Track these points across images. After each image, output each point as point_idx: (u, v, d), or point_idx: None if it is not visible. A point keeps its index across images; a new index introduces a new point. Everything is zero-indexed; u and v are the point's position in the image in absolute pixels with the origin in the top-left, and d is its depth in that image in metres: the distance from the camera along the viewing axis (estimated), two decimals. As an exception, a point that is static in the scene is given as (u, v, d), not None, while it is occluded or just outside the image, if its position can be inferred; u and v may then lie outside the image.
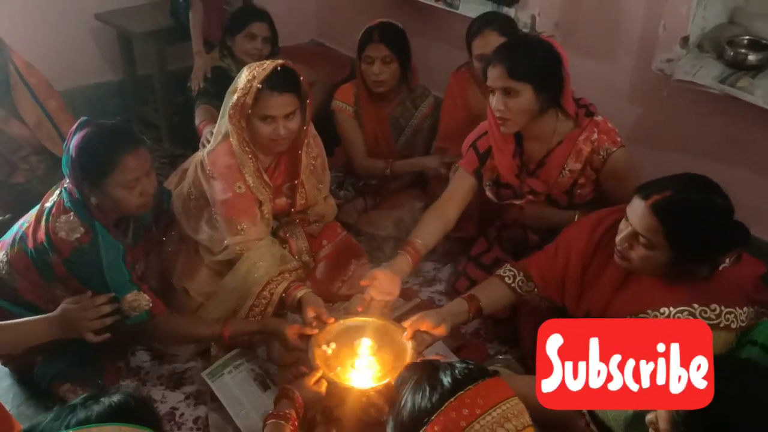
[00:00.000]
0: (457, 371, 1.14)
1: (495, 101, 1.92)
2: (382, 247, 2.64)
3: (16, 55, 2.59)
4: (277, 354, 2.06)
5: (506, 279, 1.90)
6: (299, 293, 1.96)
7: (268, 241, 2.10)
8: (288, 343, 1.84)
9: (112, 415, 0.95)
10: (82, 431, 0.92)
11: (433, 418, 1.08)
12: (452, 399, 1.09)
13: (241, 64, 2.33)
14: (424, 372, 1.17)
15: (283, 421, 1.50)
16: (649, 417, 1.18)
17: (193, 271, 2.13)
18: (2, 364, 2.07)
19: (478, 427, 1.07)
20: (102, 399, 0.97)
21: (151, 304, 1.86)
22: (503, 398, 1.12)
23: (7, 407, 1.68)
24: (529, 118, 1.93)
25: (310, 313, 1.86)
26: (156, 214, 2.07)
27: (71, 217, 1.79)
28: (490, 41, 2.33)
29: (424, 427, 1.08)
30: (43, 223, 1.82)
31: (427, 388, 1.12)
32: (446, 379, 1.12)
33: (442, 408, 1.08)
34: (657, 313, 1.54)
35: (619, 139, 1.98)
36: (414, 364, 1.25)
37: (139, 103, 3.59)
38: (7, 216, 2.40)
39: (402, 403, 1.14)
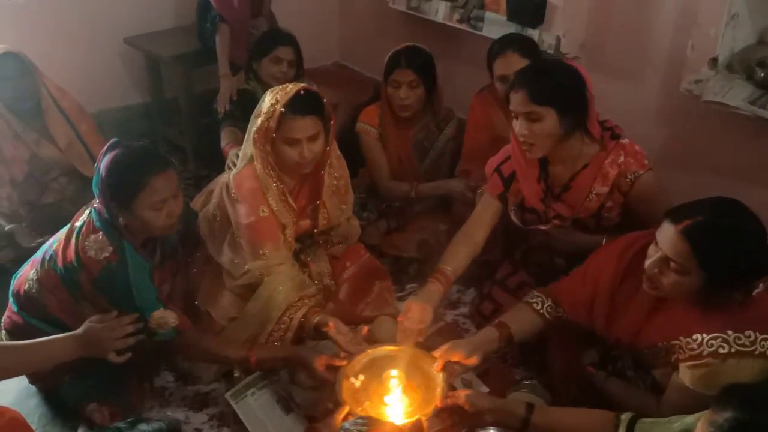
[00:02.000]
0: None
1: (519, 126, 1.91)
2: (406, 269, 2.63)
3: (48, 79, 2.65)
4: (302, 377, 2.04)
5: (535, 305, 1.87)
6: (316, 318, 1.96)
7: (288, 265, 2.10)
8: (316, 374, 1.82)
9: None
10: None
11: None
12: None
13: (266, 87, 2.36)
14: None
15: None
16: None
17: (216, 295, 2.14)
18: (30, 383, 2.08)
19: None
20: (138, 426, 0.97)
21: (177, 321, 1.87)
22: None
23: (34, 426, 1.69)
24: (553, 142, 1.91)
25: (335, 332, 1.85)
26: (183, 236, 2.08)
27: (100, 237, 1.81)
28: (512, 62, 2.33)
29: None
30: (72, 242, 1.85)
31: None
32: None
33: None
34: (690, 340, 1.51)
35: (646, 162, 1.95)
36: None
37: (165, 125, 3.64)
38: (38, 240, 2.44)
39: None
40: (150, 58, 3.50)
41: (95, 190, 1.84)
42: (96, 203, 1.87)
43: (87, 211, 1.90)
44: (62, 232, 1.93)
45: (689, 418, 1.32)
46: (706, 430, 1.09)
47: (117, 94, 3.58)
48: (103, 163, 1.80)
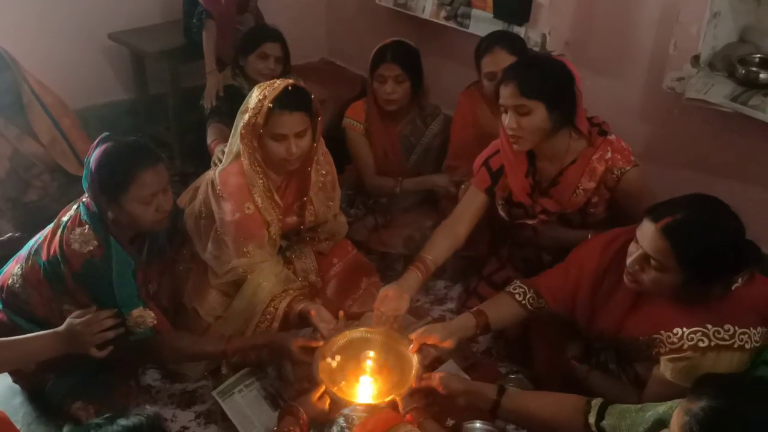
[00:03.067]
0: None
1: (507, 120, 1.92)
2: (393, 266, 2.64)
3: (30, 74, 2.62)
4: (288, 372, 2.05)
5: (516, 296, 1.89)
6: (300, 306, 1.98)
7: (272, 262, 2.11)
8: (293, 357, 1.84)
9: None
10: None
11: None
12: None
13: (253, 83, 2.34)
14: None
15: None
16: None
17: (202, 292, 2.14)
18: (13, 381, 2.07)
19: None
20: (118, 420, 0.97)
21: (155, 321, 1.87)
22: (396, 422, 1.12)
23: (18, 425, 1.69)
24: (542, 136, 1.93)
25: (317, 319, 1.88)
26: (170, 234, 2.08)
27: (86, 230, 1.80)
28: (500, 59, 2.34)
29: None
30: (58, 234, 1.84)
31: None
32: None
33: None
34: (670, 334, 1.53)
35: (632, 158, 1.97)
36: None
37: (151, 121, 3.62)
38: (16, 234, 2.42)
39: None
40: (135, 54, 3.47)
41: (84, 184, 1.83)
42: (84, 197, 1.86)
43: (75, 206, 1.89)
44: (49, 227, 1.92)
45: (661, 407, 1.35)
46: (682, 418, 1.11)
47: (102, 91, 3.54)
48: (94, 156, 1.79)
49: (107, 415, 1.01)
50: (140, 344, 1.89)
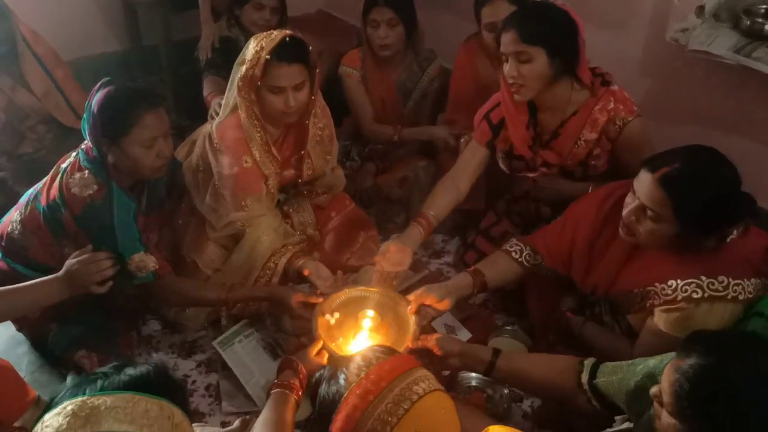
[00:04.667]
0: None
1: (508, 68, 1.89)
2: (393, 218, 2.64)
3: (22, 23, 2.56)
4: (287, 324, 2.08)
5: (513, 254, 1.90)
6: (299, 262, 1.98)
7: (270, 216, 2.11)
8: (292, 311, 1.86)
9: (129, 385, 0.97)
10: (96, 397, 0.93)
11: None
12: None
13: (248, 35, 2.30)
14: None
15: (287, 391, 1.52)
16: (653, 390, 1.19)
17: (200, 245, 2.14)
18: (17, 330, 2.09)
19: (396, 392, 1.10)
20: (125, 370, 0.99)
21: (157, 266, 1.88)
22: (412, 366, 1.16)
23: (22, 374, 1.71)
24: (543, 84, 1.90)
25: (315, 276, 1.90)
26: (169, 187, 2.08)
27: (86, 174, 1.81)
28: (500, 9, 2.29)
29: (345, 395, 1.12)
30: (57, 180, 1.85)
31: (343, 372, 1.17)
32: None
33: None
34: (665, 286, 1.55)
35: (635, 109, 1.95)
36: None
37: (145, 73, 3.56)
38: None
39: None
40: (127, 3, 3.39)
41: (85, 128, 1.82)
42: (84, 144, 1.86)
43: (74, 153, 1.89)
44: (48, 175, 1.92)
45: (652, 361, 1.37)
46: (672, 376, 1.13)
47: (94, 42, 3.47)
48: (95, 99, 1.78)
49: (113, 364, 1.02)
50: (142, 289, 1.91)
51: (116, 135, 1.77)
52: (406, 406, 1.08)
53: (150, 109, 1.79)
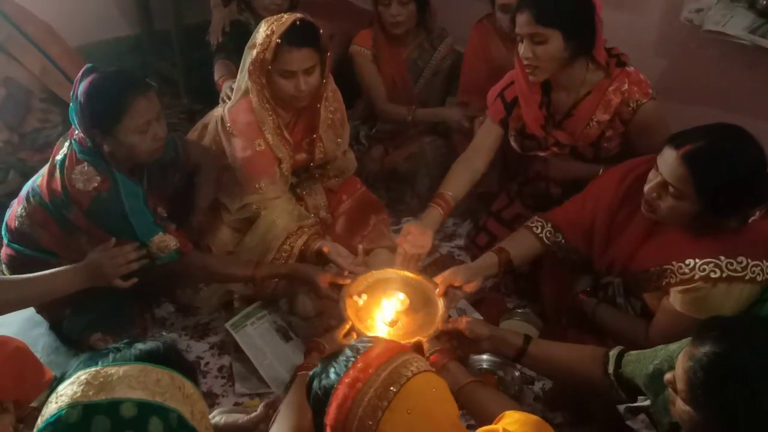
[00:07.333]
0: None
1: (523, 49, 1.88)
2: (404, 200, 2.64)
3: (10, 4, 2.48)
4: (301, 306, 2.09)
5: (534, 229, 1.88)
6: (316, 245, 1.98)
7: (284, 198, 2.11)
8: (320, 291, 1.84)
9: (140, 358, 0.98)
10: (107, 368, 0.95)
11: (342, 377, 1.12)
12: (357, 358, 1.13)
13: (259, 18, 2.28)
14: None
15: None
16: (667, 377, 1.18)
17: (214, 229, 2.15)
18: (37, 312, 2.10)
19: (383, 376, 1.09)
20: (135, 345, 1.00)
21: (178, 244, 1.86)
22: (399, 350, 1.15)
23: (38, 355, 1.71)
24: (558, 66, 1.89)
25: (334, 254, 1.88)
26: (172, 161, 2.05)
27: (86, 168, 1.77)
28: (514, -9, 2.26)
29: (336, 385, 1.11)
30: (57, 176, 1.81)
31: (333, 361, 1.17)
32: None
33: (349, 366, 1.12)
34: (682, 265, 1.53)
35: (650, 91, 1.92)
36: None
37: (157, 58, 3.57)
38: None
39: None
40: (138, -13, 3.40)
41: (74, 119, 1.77)
42: (76, 134, 1.80)
43: (66, 144, 1.84)
44: (44, 168, 1.89)
45: (672, 346, 1.35)
46: (686, 363, 1.12)
47: (106, 26, 3.47)
48: (81, 89, 1.72)
49: (124, 341, 1.04)
50: (166, 268, 1.88)
51: (108, 125, 1.72)
52: (395, 389, 1.07)
53: (139, 94, 1.73)
